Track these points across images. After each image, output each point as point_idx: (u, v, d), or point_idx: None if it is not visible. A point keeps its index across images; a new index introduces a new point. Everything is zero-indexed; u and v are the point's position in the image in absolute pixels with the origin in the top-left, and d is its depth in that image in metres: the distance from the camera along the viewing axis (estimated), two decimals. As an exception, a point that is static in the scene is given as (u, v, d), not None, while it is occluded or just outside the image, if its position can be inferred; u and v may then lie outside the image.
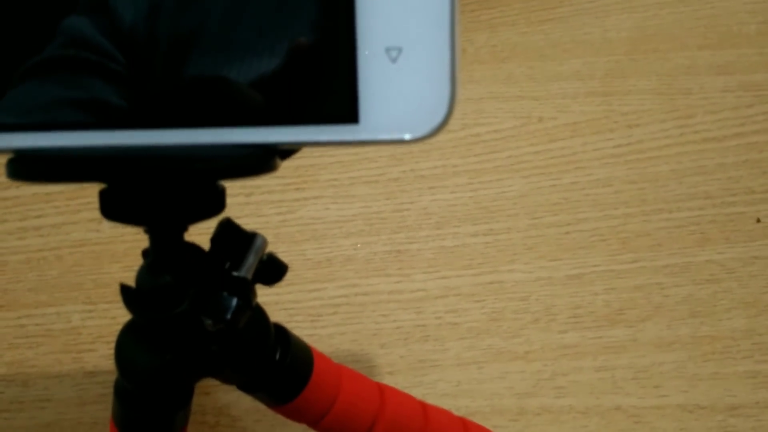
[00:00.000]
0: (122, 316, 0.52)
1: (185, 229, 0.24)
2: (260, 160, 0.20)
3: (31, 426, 0.45)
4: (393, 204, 0.56)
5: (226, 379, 0.27)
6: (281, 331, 0.28)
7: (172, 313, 0.24)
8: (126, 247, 0.54)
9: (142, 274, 0.24)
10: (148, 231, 0.24)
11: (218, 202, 0.24)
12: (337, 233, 0.54)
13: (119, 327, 0.51)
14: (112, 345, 0.50)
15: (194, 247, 0.26)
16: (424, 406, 0.32)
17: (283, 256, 0.56)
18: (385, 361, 0.48)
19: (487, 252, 0.52)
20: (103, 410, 0.45)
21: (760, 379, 0.44)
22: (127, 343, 0.25)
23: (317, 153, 0.61)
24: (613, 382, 0.45)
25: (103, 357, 0.48)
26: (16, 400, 0.46)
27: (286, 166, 0.67)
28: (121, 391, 0.26)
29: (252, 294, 0.25)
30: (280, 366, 0.27)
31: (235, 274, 0.25)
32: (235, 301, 0.23)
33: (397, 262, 0.52)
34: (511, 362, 0.46)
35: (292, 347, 0.27)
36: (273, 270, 0.26)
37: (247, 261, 0.25)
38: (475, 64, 0.66)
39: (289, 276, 0.55)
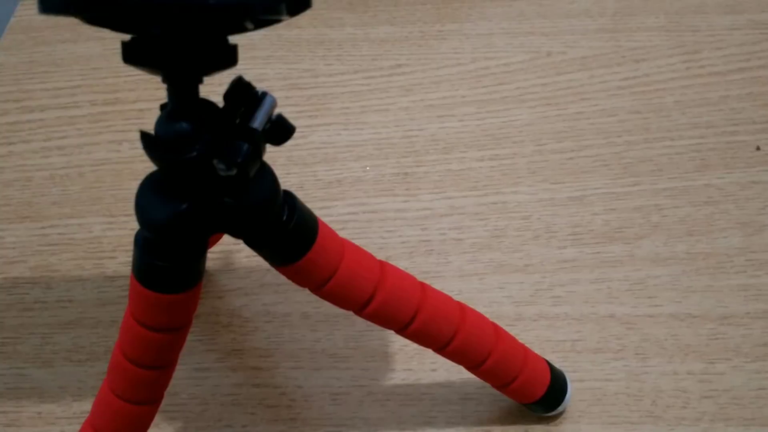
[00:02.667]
0: (141, 226, 0.55)
1: (200, 80, 0.27)
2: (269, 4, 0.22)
3: (54, 323, 0.48)
4: (402, 131, 0.58)
5: (235, 233, 0.29)
6: (289, 195, 0.30)
7: (188, 158, 0.26)
8: (145, 167, 0.56)
9: (161, 122, 0.27)
10: (165, 80, 0.26)
11: (230, 56, 0.27)
12: (348, 156, 0.57)
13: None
14: (131, 254, 0.53)
15: (208, 102, 0.28)
16: (422, 285, 0.34)
17: (295, 178, 0.58)
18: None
19: (492, 175, 0.54)
20: (122, 310, 0.48)
21: (752, 291, 0.46)
22: (146, 193, 0.28)
23: (331, 83, 0.63)
24: (608, 293, 0.47)
25: (122, 264, 0.51)
26: (40, 300, 0.49)
27: (299, 95, 0.68)
28: (140, 241, 0.29)
29: (262, 144, 0.27)
30: (286, 226, 0.29)
31: (248, 125, 0.27)
32: (246, 147, 0.26)
33: (405, 183, 0.54)
34: (511, 274, 0.49)
35: (299, 210, 0.30)
36: (281, 129, 0.28)
37: (258, 116, 0.27)
38: (487, 1, 0.67)
39: (300, 195, 0.58)
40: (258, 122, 0.28)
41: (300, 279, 0.33)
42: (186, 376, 0.47)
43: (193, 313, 0.33)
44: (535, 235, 0.53)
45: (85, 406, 0.46)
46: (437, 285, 0.51)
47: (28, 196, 0.58)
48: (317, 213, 0.56)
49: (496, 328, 0.39)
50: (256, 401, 0.46)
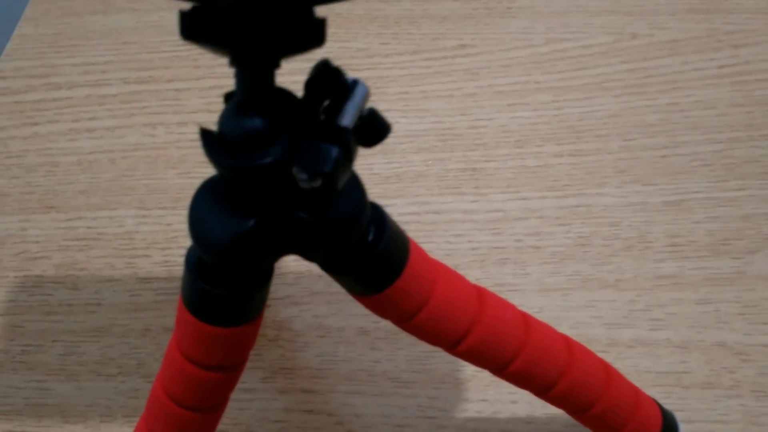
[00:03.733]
0: (178, 222, 0.50)
1: (277, 64, 0.20)
2: None
3: (80, 330, 0.42)
4: (468, 120, 0.52)
5: (310, 256, 0.23)
6: (377, 210, 0.23)
7: (260, 164, 0.19)
8: (182, 154, 0.51)
9: (226, 117, 0.20)
10: (234, 62, 0.19)
11: (317, 32, 0.20)
12: (408, 148, 0.50)
13: (175, 234, 0.48)
14: (167, 252, 0.48)
15: (286, 93, 0.21)
16: (525, 316, 0.28)
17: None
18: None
19: (573, 173, 0.47)
20: (156, 317, 0.42)
21: None
22: (203, 204, 0.21)
23: (387, 64, 0.57)
24: (716, 316, 0.41)
25: (157, 264, 0.45)
26: (65, 303, 0.43)
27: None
28: (192, 262, 0.22)
29: (354, 147, 0.20)
30: (373, 248, 0.23)
31: (335, 124, 0.20)
32: (335, 151, 0.19)
33: (473, 180, 0.47)
34: (600, 290, 0.42)
35: (388, 229, 0.23)
36: (374, 128, 0.21)
37: (348, 110, 0.20)
38: (563, -24, 0.60)
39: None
40: (348, 118, 0.22)
41: (383, 310, 0.26)
42: (228, 398, 0.41)
43: (251, 348, 0.27)
44: (627, 245, 0.46)
45: (113, 429, 0.41)
46: (515, 299, 0.45)
47: (53, 184, 0.52)
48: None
49: (606, 368, 0.32)
50: (307, 431, 0.40)
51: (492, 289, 0.46)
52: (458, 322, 0.27)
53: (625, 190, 0.49)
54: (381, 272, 0.25)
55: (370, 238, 0.24)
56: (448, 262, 0.47)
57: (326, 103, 0.22)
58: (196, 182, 0.56)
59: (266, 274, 0.25)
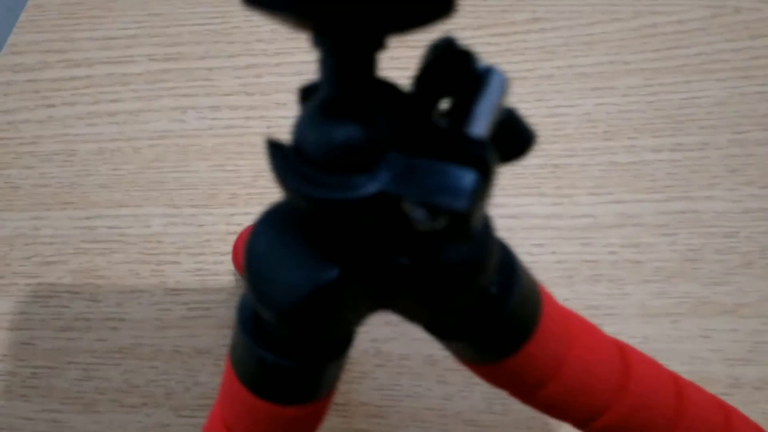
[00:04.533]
0: (212, 223, 0.43)
1: (382, 44, 0.15)
2: None
3: (99, 350, 0.36)
4: (546, 107, 0.44)
5: (412, 315, 0.15)
6: (505, 252, 0.16)
7: (363, 195, 0.11)
8: (216, 143, 0.44)
9: (306, 123, 0.12)
10: (319, 41, 0.11)
11: None
12: (477, 139, 0.42)
13: (208, 237, 0.42)
14: (200, 258, 0.41)
15: (391, 87, 0.13)
16: (675, 379, 0.20)
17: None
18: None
19: (676, 172, 0.39)
20: (188, 336, 0.36)
21: None
22: (267, 242, 0.14)
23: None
24: None
25: (188, 272, 0.38)
26: (83, 317, 0.37)
27: (407, 56, 0.54)
28: (248, 321, 0.15)
29: (495, 168, 0.13)
30: (499, 305, 0.15)
31: (466, 133, 0.12)
32: (473, 177, 0.11)
33: (554, 179, 0.40)
34: (717, 317, 0.35)
35: (520, 278, 0.16)
36: (514, 136, 0.14)
37: (482, 113, 0.13)
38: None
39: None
40: (482, 124, 0.15)
41: (504, 381, 0.20)
42: (272, 438, 0.35)
43: (318, 429, 0.21)
44: (747, 260, 0.38)
45: (139, 473, 0.35)
46: (612, 326, 0.38)
47: (70, 176, 0.46)
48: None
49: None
50: (367, 482, 0.34)
51: (584, 312, 0.39)
52: (596, 394, 0.20)
53: (740, 194, 0.41)
54: (506, 336, 0.18)
55: (495, 290, 0.17)
56: (529, 276, 0.40)
57: (445, 102, 0.15)
58: (232, 177, 0.49)
59: (346, 340, 0.18)
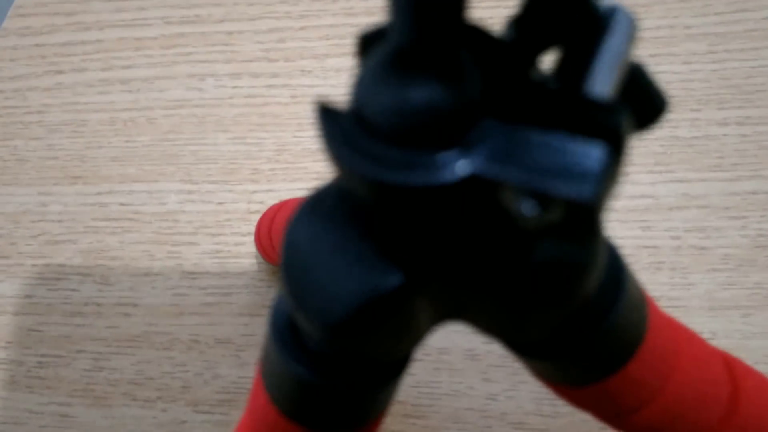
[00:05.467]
0: (232, 201, 0.40)
1: None
2: None
3: (110, 337, 0.33)
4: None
5: (491, 327, 0.11)
6: (611, 255, 0.12)
7: (451, 179, 0.10)
8: (236, 113, 0.41)
9: (372, 82, 0.07)
10: None
11: None
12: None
13: (228, 216, 0.38)
14: (219, 239, 0.38)
15: (482, 33, 0.09)
16: None
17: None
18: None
19: (745, 149, 0.36)
20: (206, 325, 0.33)
21: None
22: (308, 242, 0.10)
23: (485, 6, 0.45)
24: None
25: (206, 254, 0.36)
26: (93, 302, 0.34)
27: None
28: (283, 329, 0.12)
29: (629, 141, 0.08)
30: (601, 318, 0.11)
31: (589, 94, 0.08)
32: (602, 154, 0.06)
33: (608, 154, 0.36)
34: (788, 309, 0.31)
35: (627, 287, 0.11)
36: (643, 99, 0.09)
37: (606, 66, 0.08)
38: None
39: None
40: (608, 84, 0.11)
41: (595, 404, 0.16)
42: (298, 438, 0.32)
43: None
44: (827, 248, 0.35)
45: (153, 475, 0.32)
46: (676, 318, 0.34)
47: (80, 147, 0.43)
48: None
49: None
50: (403, 489, 0.31)
51: (644, 303, 0.35)
52: (701, 418, 0.17)
53: (818, 173, 0.37)
54: (606, 354, 0.14)
55: (598, 299, 0.14)
56: (581, 263, 0.36)
57: (555, 53, 0.12)
58: (254, 150, 0.46)
59: (404, 359, 0.15)
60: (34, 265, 0.38)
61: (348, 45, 0.45)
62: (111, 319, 0.36)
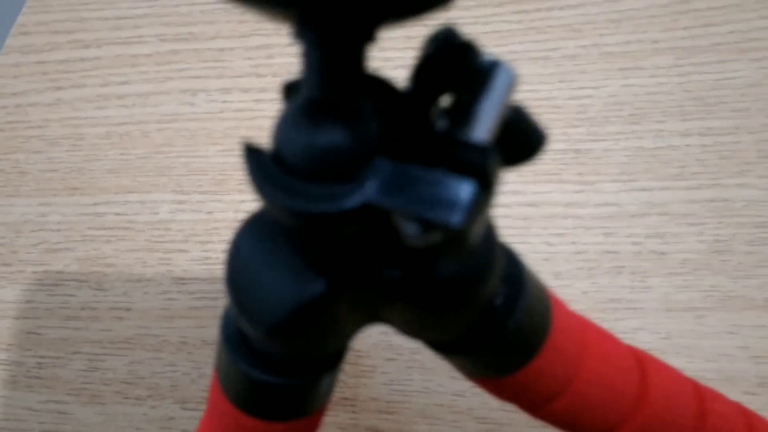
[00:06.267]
0: (221, 210, 0.42)
1: (371, 36, 0.13)
2: None
3: (105, 340, 0.36)
4: (569, 89, 0.42)
5: (409, 330, 0.14)
6: (511, 260, 0.15)
7: (345, 208, 0.10)
8: (226, 127, 0.43)
9: (288, 126, 0.10)
10: (303, 33, 0.09)
11: None
12: (495, 123, 0.41)
13: (216, 225, 0.41)
14: (208, 246, 0.40)
15: (383, 84, 0.12)
16: (697, 390, 0.19)
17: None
18: (561, 297, 0.35)
19: (706, 158, 0.38)
20: (195, 327, 0.35)
21: None
22: (248, 255, 0.13)
23: (468, 19, 0.47)
24: None
25: (195, 260, 0.38)
26: (89, 306, 0.37)
27: (424, 35, 0.52)
28: (232, 335, 0.14)
29: (497, 176, 0.11)
30: (504, 318, 0.14)
31: (463, 137, 0.11)
32: (470, 189, 0.10)
33: (576, 165, 0.38)
34: (745, 312, 0.33)
35: (527, 289, 0.14)
36: (521, 137, 0.12)
37: (484, 114, 0.11)
38: None
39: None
40: (485, 127, 0.13)
41: (511, 395, 0.18)
42: (278, 433, 0.34)
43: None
44: (779, 253, 0.37)
45: (143, 467, 0.34)
46: (633, 321, 0.36)
47: (78, 160, 0.45)
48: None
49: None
50: (375, 480, 0.33)
51: (604, 306, 0.37)
52: (612, 408, 0.19)
53: (773, 182, 0.39)
54: (513, 350, 0.17)
55: (500, 302, 0.16)
56: (547, 268, 0.38)
57: (446, 100, 0.14)
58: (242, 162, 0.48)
59: (339, 353, 0.17)
60: (34, 272, 0.41)
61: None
62: (105, 323, 0.39)
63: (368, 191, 0.12)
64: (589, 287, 0.37)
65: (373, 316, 0.16)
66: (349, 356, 0.36)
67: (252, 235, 0.15)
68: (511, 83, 0.14)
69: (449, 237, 0.12)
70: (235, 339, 0.17)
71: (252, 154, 0.13)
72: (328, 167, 0.13)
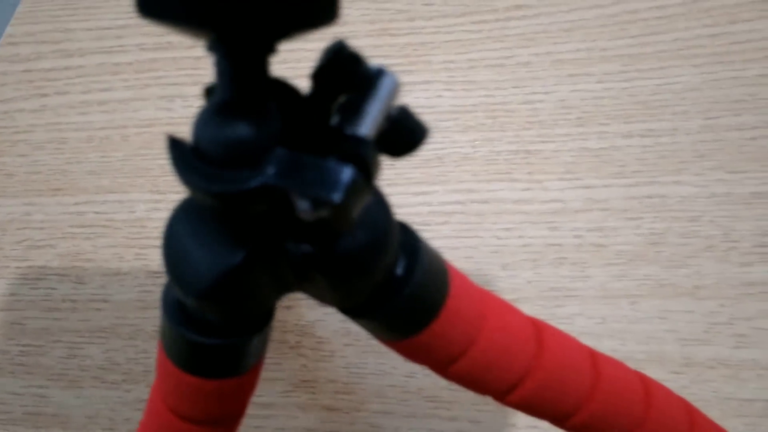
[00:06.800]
0: (192, 209, 0.45)
1: (272, 49, 0.16)
2: None
3: (84, 329, 0.38)
4: (522, 94, 0.45)
5: (322, 297, 0.17)
6: (407, 233, 0.18)
7: (245, 189, 0.13)
8: (200, 130, 0.45)
9: (204, 122, 0.14)
10: (214, 47, 0.13)
11: (327, 3, 0.13)
12: (452, 126, 0.45)
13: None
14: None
15: (285, 86, 0.15)
16: (594, 356, 0.22)
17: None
18: (507, 286, 0.39)
19: (645, 158, 0.41)
20: (167, 317, 0.37)
21: None
22: (180, 231, 0.16)
23: (430, 28, 0.50)
24: (814, 333, 0.34)
25: (169, 255, 0.40)
26: (69, 299, 0.39)
27: (390, 44, 0.56)
28: (171, 305, 0.17)
29: (375, 164, 0.14)
30: (403, 283, 0.17)
31: (349, 131, 0.14)
32: (349, 172, 0.13)
33: (526, 165, 0.41)
34: (675, 299, 0.36)
35: (423, 257, 0.17)
36: (405, 133, 0.15)
37: (369, 111, 0.14)
38: (636, -76, 0.52)
39: (390, 174, 0.46)
40: (369, 124, 0.16)
41: (417, 356, 0.21)
42: (243, 413, 0.37)
43: (249, 399, 0.23)
44: (708, 244, 0.39)
45: (117, 445, 0.37)
46: (572, 307, 0.39)
47: (61, 163, 0.48)
48: (412, 200, 0.44)
49: (690, 412, 0.26)
50: (331, 455, 0.36)
51: (546, 294, 0.40)
52: (510, 369, 0.22)
53: (707, 179, 0.42)
54: (413, 313, 0.19)
55: (399, 271, 0.19)
56: (496, 260, 0.41)
57: (341, 100, 0.17)
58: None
59: (265, 317, 0.20)
60: (18, 267, 0.43)
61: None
62: (84, 314, 0.41)
63: (268, 174, 0.15)
64: (533, 277, 0.40)
65: (292, 285, 0.19)
66: (310, 342, 0.39)
67: (183, 216, 0.18)
68: (394, 87, 0.17)
69: (336, 212, 0.15)
70: (173, 306, 0.19)
71: (175, 145, 0.16)
72: (236, 156, 0.15)
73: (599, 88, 0.47)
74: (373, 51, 0.50)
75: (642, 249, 0.40)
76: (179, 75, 0.51)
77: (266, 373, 0.38)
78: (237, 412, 0.22)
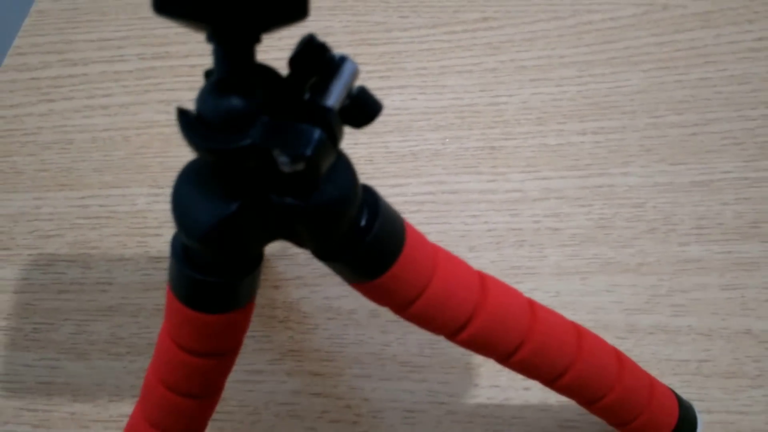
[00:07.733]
0: (189, 201, 0.49)
1: (258, 39, 0.19)
2: None
3: (91, 308, 0.42)
4: (488, 96, 0.50)
5: (301, 242, 0.22)
6: (369, 193, 0.22)
7: (238, 147, 0.19)
8: (195, 131, 0.50)
9: (204, 96, 0.19)
10: (212, 38, 0.18)
11: (299, 5, 0.19)
12: (424, 126, 0.49)
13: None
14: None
15: (268, 70, 0.20)
16: (531, 303, 0.26)
17: (363, 149, 0.51)
18: (474, 265, 0.43)
19: (597, 152, 0.45)
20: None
21: None
22: (186, 187, 0.20)
23: (405, 39, 0.55)
24: (742, 303, 0.39)
25: (168, 243, 0.45)
26: (77, 282, 0.43)
27: (369, 52, 0.60)
28: (178, 249, 0.22)
29: (338, 128, 0.19)
30: (365, 234, 0.22)
31: (318, 104, 0.19)
32: (317, 133, 0.18)
33: (491, 159, 0.46)
34: (620, 274, 0.41)
35: (382, 213, 0.22)
36: (364, 108, 0.20)
37: (334, 89, 0.19)
38: (591, -56, 0.57)
39: (368, 169, 0.50)
40: (334, 98, 0.21)
41: (380, 297, 0.26)
42: (236, 379, 0.41)
43: (244, 334, 0.27)
44: (651, 227, 0.44)
45: (122, 409, 0.41)
46: (530, 283, 0.44)
47: (67, 161, 0.52)
48: (388, 191, 0.48)
49: (619, 356, 0.31)
50: (316, 413, 0.40)
51: (508, 272, 0.45)
52: (459, 310, 0.26)
53: (651, 170, 0.47)
54: (375, 258, 0.24)
55: (363, 222, 0.23)
56: (464, 243, 0.46)
57: (312, 80, 0.21)
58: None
59: (255, 260, 0.24)
60: (29, 255, 0.48)
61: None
62: (91, 295, 0.45)
63: (254, 136, 0.20)
64: (496, 258, 0.44)
65: (278, 232, 0.23)
66: (296, 317, 0.43)
67: (188, 175, 0.23)
68: (354, 71, 0.21)
69: (308, 164, 0.20)
70: (180, 251, 0.24)
71: (182, 113, 0.20)
72: (229, 122, 0.20)
73: (557, 91, 0.51)
74: (353, 59, 0.55)
75: (592, 232, 0.44)
76: (176, 82, 0.56)
77: (258, 344, 0.42)
78: (232, 346, 0.26)
